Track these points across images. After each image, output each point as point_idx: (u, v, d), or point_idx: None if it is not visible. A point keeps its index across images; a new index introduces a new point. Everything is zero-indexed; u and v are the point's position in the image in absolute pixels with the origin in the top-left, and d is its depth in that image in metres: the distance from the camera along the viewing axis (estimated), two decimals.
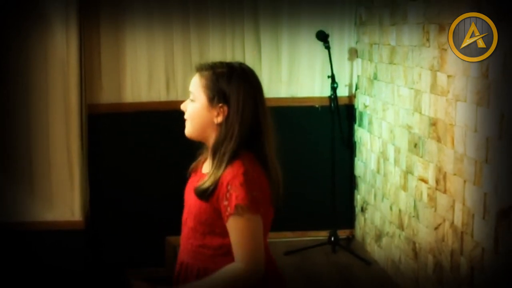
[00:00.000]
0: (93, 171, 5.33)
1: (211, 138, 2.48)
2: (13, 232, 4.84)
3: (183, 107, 2.53)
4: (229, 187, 2.34)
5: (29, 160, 4.85)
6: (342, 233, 5.70)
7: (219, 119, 2.43)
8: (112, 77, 5.48)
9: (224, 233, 2.39)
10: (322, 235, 5.62)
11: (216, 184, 2.38)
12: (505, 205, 3.26)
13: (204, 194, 2.40)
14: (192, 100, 2.49)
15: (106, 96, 5.46)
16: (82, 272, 4.94)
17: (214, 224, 2.42)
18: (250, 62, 5.56)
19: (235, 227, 2.35)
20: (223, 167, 2.38)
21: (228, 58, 5.54)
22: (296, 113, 5.71)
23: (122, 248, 5.47)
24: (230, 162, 2.39)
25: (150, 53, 5.51)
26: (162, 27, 5.49)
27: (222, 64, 2.50)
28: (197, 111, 2.47)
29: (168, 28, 5.50)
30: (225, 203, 2.35)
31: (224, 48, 5.58)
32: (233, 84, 2.43)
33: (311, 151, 5.78)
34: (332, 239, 5.47)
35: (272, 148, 2.50)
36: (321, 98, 5.68)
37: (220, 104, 2.42)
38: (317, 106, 5.71)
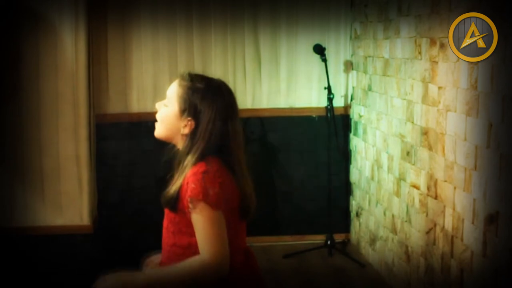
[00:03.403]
0: (101, 178, 5.39)
1: (179, 144, 2.51)
2: (24, 236, 4.87)
3: (157, 106, 2.56)
4: (188, 184, 2.37)
5: (40, 168, 4.88)
6: (338, 237, 5.75)
7: (185, 130, 2.46)
8: (119, 88, 5.55)
9: (191, 232, 2.39)
10: (319, 239, 5.67)
11: (179, 190, 2.40)
12: (493, 211, 3.32)
13: (170, 203, 2.43)
14: (165, 105, 2.52)
15: (113, 106, 5.55)
16: (90, 274, 4.99)
17: (180, 222, 2.43)
18: (250, 74, 5.65)
19: (196, 222, 2.35)
20: (183, 175, 2.41)
21: (230, 70, 5.61)
22: (294, 123, 5.75)
23: (127, 251, 5.46)
24: (192, 166, 2.41)
25: (155, 65, 5.57)
26: (166, 40, 5.57)
27: (203, 79, 2.51)
28: (167, 116, 2.50)
29: (172, 41, 5.58)
30: (186, 199, 2.36)
31: (225, 61, 5.63)
32: (206, 102, 2.44)
33: (309, 159, 5.80)
34: (329, 242, 5.51)
35: (241, 161, 2.49)
36: (318, 109, 5.73)
37: (189, 118, 2.45)
38: (314, 116, 5.77)
